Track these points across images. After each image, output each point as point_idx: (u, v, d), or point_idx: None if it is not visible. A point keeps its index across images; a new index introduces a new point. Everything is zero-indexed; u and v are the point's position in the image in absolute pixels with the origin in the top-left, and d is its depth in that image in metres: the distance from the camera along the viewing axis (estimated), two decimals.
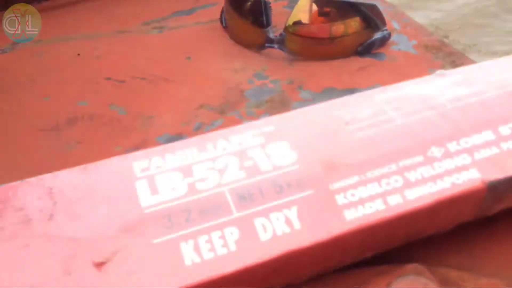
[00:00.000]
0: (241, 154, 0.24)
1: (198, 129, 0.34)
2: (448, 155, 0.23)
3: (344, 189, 0.22)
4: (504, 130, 0.24)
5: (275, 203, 0.22)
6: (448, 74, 0.28)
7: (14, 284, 0.19)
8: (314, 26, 0.41)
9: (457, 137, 0.24)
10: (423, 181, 0.22)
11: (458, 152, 0.23)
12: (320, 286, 0.22)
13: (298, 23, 0.41)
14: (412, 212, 0.22)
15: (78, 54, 0.43)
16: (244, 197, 0.22)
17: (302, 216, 0.21)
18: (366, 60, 0.41)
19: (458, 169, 0.23)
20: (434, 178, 0.22)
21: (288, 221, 0.21)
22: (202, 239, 0.21)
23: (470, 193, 0.22)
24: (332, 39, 0.40)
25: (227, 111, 0.36)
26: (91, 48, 0.45)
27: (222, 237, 0.21)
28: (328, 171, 0.23)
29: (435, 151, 0.23)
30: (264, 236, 0.21)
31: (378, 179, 0.22)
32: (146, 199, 0.22)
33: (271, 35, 0.41)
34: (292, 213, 0.21)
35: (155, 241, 0.21)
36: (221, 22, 0.46)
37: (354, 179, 0.23)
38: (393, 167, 0.23)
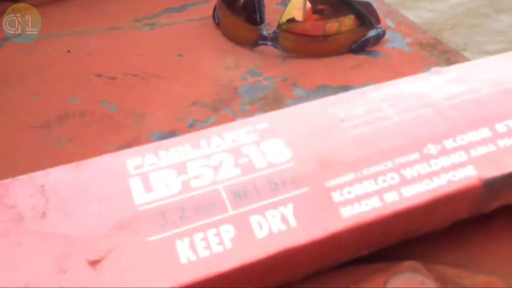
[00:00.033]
0: (235, 151, 0.24)
1: (192, 126, 0.34)
2: (444, 152, 0.23)
3: (340, 187, 0.22)
4: (500, 127, 0.24)
5: (271, 200, 0.22)
6: (443, 72, 0.28)
7: (7, 282, 0.19)
8: (308, 24, 0.41)
9: (453, 134, 0.24)
10: (420, 178, 0.22)
11: (454, 149, 0.23)
12: (316, 284, 0.22)
13: (292, 20, 0.40)
14: (408, 209, 0.21)
15: (68, 51, 0.43)
16: (239, 195, 0.22)
17: (298, 214, 0.21)
18: (360, 58, 0.40)
19: (455, 166, 0.23)
20: (430, 175, 0.22)
21: (284, 219, 0.21)
22: (198, 236, 0.20)
23: (466, 190, 0.22)
24: (326, 36, 0.40)
25: (221, 108, 0.36)
26: (82, 44, 0.44)
27: (218, 234, 0.20)
28: (323, 168, 0.23)
29: (431, 148, 0.23)
30: (260, 234, 0.20)
31: (374, 176, 0.22)
32: (140, 197, 0.22)
33: (265, 33, 0.41)
34: (288, 210, 0.21)
35: (150, 239, 0.20)
36: (214, 19, 0.46)
37: (350, 176, 0.22)
38: (389, 164, 0.23)
